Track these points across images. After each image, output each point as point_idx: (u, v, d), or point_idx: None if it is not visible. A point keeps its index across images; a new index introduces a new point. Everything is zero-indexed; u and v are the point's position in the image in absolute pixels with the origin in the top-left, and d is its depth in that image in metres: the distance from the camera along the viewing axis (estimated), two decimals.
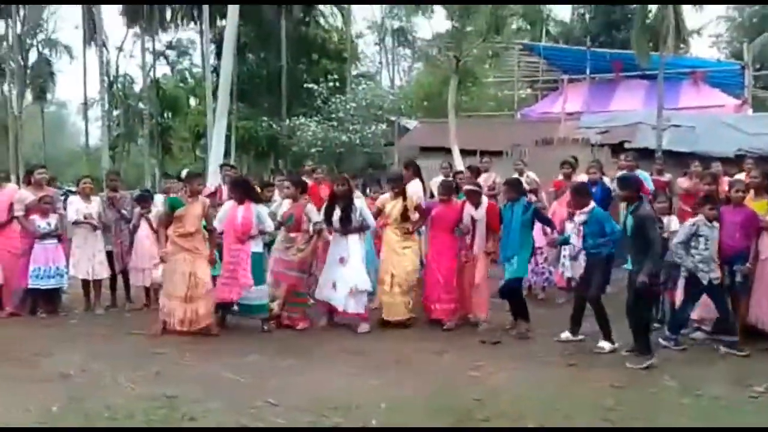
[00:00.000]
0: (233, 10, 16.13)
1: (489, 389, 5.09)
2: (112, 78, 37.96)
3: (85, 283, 8.15)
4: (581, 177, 9.80)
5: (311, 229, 7.25)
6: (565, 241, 7.30)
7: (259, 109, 26.60)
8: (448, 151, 16.51)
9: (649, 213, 6.01)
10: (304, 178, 8.38)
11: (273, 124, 24.74)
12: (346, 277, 7.07)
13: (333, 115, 22.77)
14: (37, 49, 40.13)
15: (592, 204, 6.58)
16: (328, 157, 19.56)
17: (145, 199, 8.60)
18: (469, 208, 7.17)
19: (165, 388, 5.13)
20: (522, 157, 13.80)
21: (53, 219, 7.94)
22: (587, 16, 34.62)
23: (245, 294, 6.89)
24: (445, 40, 20.79)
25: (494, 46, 20.97)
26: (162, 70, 40.45)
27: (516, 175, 10.42)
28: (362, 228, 7.27)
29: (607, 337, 6.21)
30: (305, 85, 24.41)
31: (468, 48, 17.12)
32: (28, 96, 38.78)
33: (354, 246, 7.18)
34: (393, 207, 7.37)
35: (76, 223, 8.03)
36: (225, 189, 8.50)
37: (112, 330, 7.19)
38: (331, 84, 23.50)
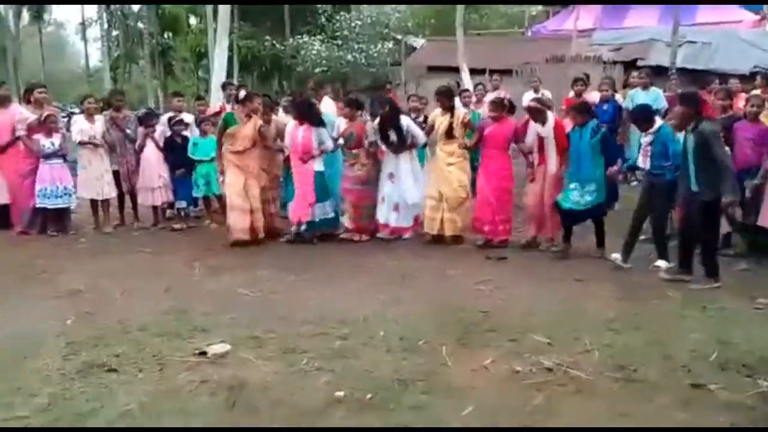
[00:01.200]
0: None
1: (495, 303, 5.14)
2: None
3: (93, 202, 8.18)
4: (593, 95, 9.62)
5: (367, 147, 7.40)
6: (633, 167, 6.93)
7: (262, 28, 25.89)
8: (456, 70, 16.13)
9: (713, 129, 5.60)
10: (310, 97, 8.40)
11: (276, 43, 24.13)
12: (392, 192, 7.34)
13: (338, 34, 22.19)
14: None
15: (659, 122, 6.24)
16: (333, 76, 19.14)
17: (149, 118, 8.50)
18: (534, 126, 6.88)
19: (175, 303, 5.23)
20: (533, 74, 13.53)
21: (57, 138, 7.88)
22: None
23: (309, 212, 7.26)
24: None
25: None
26: None
27: (531, 93, 10.27)
28: (412, 145, 7.34)
29: (663, 256, 6.15)
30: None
31: None
32: (25, 16, 37.87)
33: (403, 162, 7.35)
34: (441, 123, 7.28)
35: (81, 143, 7.97)
36: (228, 108, 8.45)
37: (121, 248, 7.27)
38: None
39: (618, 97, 9.83)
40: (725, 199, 5.36)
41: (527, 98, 8.63)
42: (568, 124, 7.75)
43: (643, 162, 6.34)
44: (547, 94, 10.33)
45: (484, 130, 7.13)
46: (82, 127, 7.98)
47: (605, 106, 9.01)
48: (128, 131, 8.21)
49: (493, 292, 5.46)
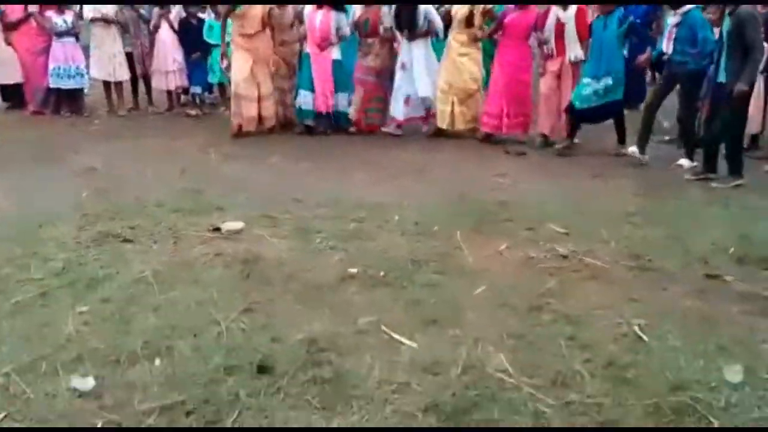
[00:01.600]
0: None
1: (512, 194, 5.08)
2: None
3: (107, 84, 8.07)
4: None
5: (382, 34, 7.03)
6: (660, 55, 6.39)
7: None
8: None
9: (752, 12, 5.28)
10: None
11: None
12: (404, 83, 7.02)
13: None
14: None
15: (690, 5, 5.84)
16: None
17: None
18: (555, 10, 6.51)
19: (191, 183, 5.22)
20: None
21: (69, 16, 7.67)
22: None
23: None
24: None
25: None
26: None
27: None
28: (428, 32, 6.95)
29: (688, 155, 6.01)
30: None
31: None
32: None
33: (417, 51, 6.96)
34: (459, 10, 6.91)
35: (93, 20, 7.76)
36: None
37: (135, 132, 7.23)
38: None
39: None
40: (738, 86, 5.18)
41: None
42: (591, 15, 7.31)
43: (667, 47, 6.00)
44: None
45: (505, 19, 6.77)
46: (94, 4, 7.73)
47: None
48: (142, 11, 7.96)
49: (510, 185, 5.39)
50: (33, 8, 7.65)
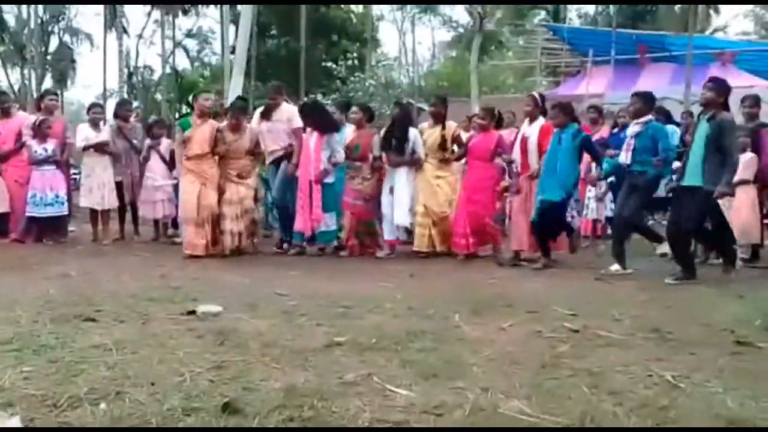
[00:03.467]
0: None
1: (510, 289, 4.77)
2: (132, 69, 38.04)
3: (93, 213, 7.92)
4: (604, 128, 9.44)
5: (372, 162, 7.02)
6: (610, 173, 6.53)
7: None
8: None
9: (732, 120, 5.37)
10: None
11: (290, 102, 24.51)
12: (389, 208, 6.94)
13: (351, 95, 22.50)
14: (59, 36, 40.36)
15: (650, 116, 5.89)
16: None
17: (158, 127, 8.35)
18: (522, 127, 6.67)
19: (170, 282, 4.89)
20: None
21: (51, 144, 7.71)
22: (611, 8, 34.13)
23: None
24: None
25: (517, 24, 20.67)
26: (181, 62, 40.41)
27: None
28: (414, 162, 6.94)
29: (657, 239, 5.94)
30: (323, 64, 24.15)
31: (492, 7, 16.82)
32: (48, 81, 38.99)
33: (401, 178, 6.94)
34: (430, 135, 7.02)
35: (85, 149, 7.82)
36: None
37: (117, 251, 6.96)
38: (350, 62, 23.23)
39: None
40: (720, 188, 5.12)
41: None
42: (585, 155, 7.40)
43: (624, 156, 5.89)
44: None
45: (470, 143, 6.93)
46: (87, 134, 7.84)
47: (623, 135, 8.78)
48: (134, 141, 8.06)
49: (507, 283, 5.08)
50: (27, 137, 7.74)
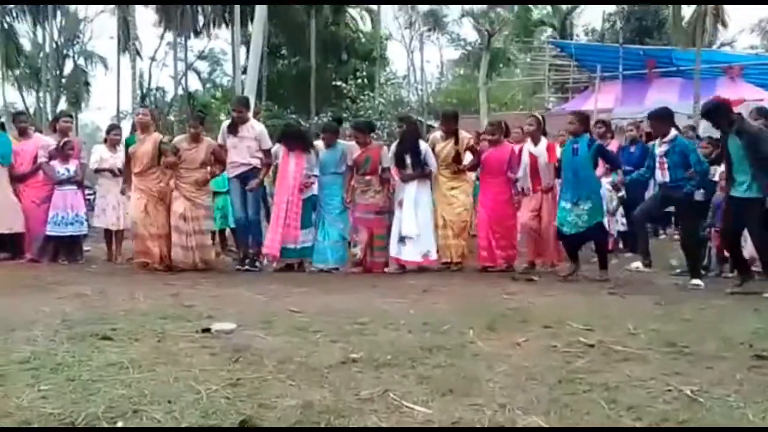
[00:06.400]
0: (261, 6, 16.17)
1: (525, 304, 4.74)
2: (145, 90, 38.47)
3: (108, 233, 7.99)
4: (614, 143, 9.43)
5: (381, 174, 7.05)
6: (642, 177, 6.54)
7: (288, 108, 26.65)
8: None
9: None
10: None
11: (301, 121, 24.69)
12: (398, 222, 6.93)
13: (361, 113, 22.63)
14: (73, 60, 40.94)
15: (674, 132, 5.92)
16: None
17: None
18: (527, 146, 6.78)
19: (184, 301, 4.90)
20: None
21: (73, 165, 7.80)
22: (618, 24, 34.24)
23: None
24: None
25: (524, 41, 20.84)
26: (193, 84, 40.84)
27: None
28: (424, 174, 6.98)
29: (696, 275, 5.88)
30: (333, 83, 24.35)
31: (499, 25, 16.93)
32: (62, 104, 39.50)
33: (410, 191, 6.93)
34: (443, 148, 7.07)
35: (98, 171, 7.90)
36: None
37: (131, 270, 7.00)
38: (359, 81, 23.40)
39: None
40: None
41: None
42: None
43: (661, 174, 5.99)
44: None
45: (482, 155, 6.97)
46: (102, 155, 7.94)
47: (632, 149, 8.77)
48: None
49: (522, 298, 5.06)
50: (43, 158, 7.83)
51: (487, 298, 5.03)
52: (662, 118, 5.99)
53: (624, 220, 7.96)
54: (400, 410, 2.38)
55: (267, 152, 7.02)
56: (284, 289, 5.61)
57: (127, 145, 7.09)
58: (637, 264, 6.66)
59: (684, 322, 4.02)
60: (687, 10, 21.06)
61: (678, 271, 6.77)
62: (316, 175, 7.07)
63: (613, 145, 8.93)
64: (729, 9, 22.44)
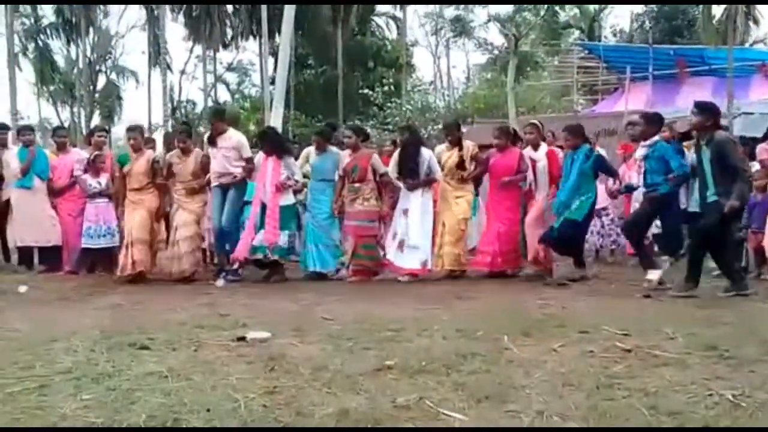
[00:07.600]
0: (288, 17, 16.34)
1: (560, 309, 4.70)
2: (175, 103, 39.11)
3: None
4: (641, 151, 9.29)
5: (378, 180, 7.01)
6: (630, 189, 6.68)
7: (316, 117, 26.84)
8: None
9: (728, 138, 5.46)
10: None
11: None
12: (402, 229, 6.85)
13: (388, 120, 22.69)
14: (106, 75, 41.82)
15: (657, 137, 5.91)
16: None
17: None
18: (527, 151, 6.82)
19: (219, 310, 4.96)
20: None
21: (104, 178, 7.94)
22: (647, 24, 33.78)
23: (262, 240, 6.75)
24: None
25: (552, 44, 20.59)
26: (222, 95, 41.37)
27: None
28: (429, 182, 6.94)
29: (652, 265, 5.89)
30: (360, 91, 24.47)
31: (526, 29, 16.84)
32: (96, 118, 40.35)
33: (416, 200, 6.89)
34: (449, 157, 7.04)
35: None
36: None
37: (166, 280, 7.10)
38: (386, 88, 23.46)
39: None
40: (731, 202, 5.04)
41: None
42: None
43: (637, 179, 6.06)
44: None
45: (489, 161, 6.91)
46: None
47: None
48: None
49: (555, 303, 5.00)
50: (78, 172, 8.00)
51: (521, 304, 5.00)
52: (651, 120, 5.97)
53: (659, 223, 7.85)
54: (436, 417, 2.38)
55: (249, 160, 7.07)
56: (317, 297, 5.63)
57: (121, 164, 7.20)
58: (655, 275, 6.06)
59: (723, 325, 3.95)
60: (717, 9, 20.77)
61: (716, 273, 6.64)
62: (297, 181, 7.01)
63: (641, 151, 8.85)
64: (761, 6, 22.00)
